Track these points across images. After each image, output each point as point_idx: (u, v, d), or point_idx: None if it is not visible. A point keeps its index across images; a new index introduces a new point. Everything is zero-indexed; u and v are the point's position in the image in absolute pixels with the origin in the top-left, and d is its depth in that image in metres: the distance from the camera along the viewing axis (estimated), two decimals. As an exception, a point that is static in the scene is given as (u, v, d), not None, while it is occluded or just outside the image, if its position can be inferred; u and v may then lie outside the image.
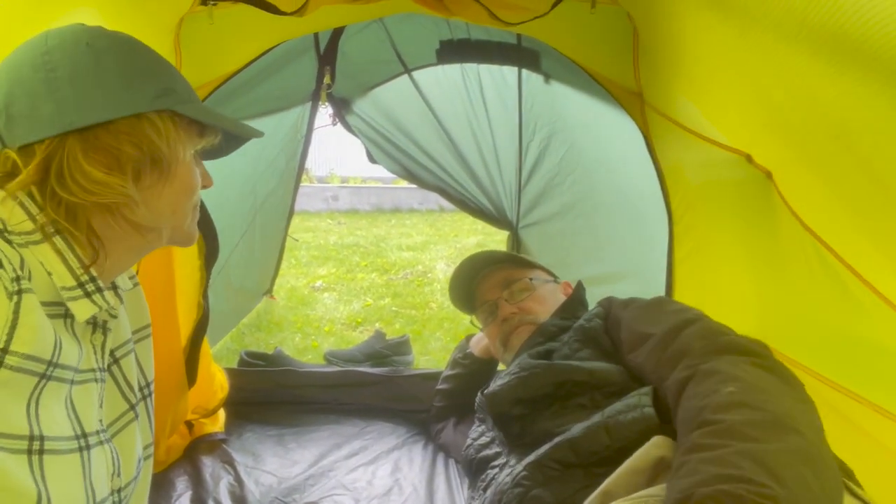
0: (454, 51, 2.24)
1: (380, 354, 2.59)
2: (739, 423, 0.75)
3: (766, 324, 1.46)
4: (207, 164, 0.90)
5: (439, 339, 3.16)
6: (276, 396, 2.06)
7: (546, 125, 2.42)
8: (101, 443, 0.77)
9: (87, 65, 0.71)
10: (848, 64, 0.80)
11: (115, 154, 0.72)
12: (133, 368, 0.88)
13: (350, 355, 2.60)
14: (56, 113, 0.69)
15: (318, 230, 6.76)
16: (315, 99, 2.48)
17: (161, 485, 1.53)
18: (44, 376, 0.66)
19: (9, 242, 0.67)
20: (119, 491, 0.81)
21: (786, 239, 1.30)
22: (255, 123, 0.94)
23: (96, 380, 0.78)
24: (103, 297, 0.75)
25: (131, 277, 0.91)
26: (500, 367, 1.79)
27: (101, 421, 0.79)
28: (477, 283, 1.70)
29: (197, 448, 1.72)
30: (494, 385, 1.31)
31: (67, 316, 0.73)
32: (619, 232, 2.33)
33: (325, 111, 2.51)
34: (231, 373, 2.04)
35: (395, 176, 2.93)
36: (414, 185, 2.79)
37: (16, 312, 0.63)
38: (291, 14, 1.44)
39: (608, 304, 1.34)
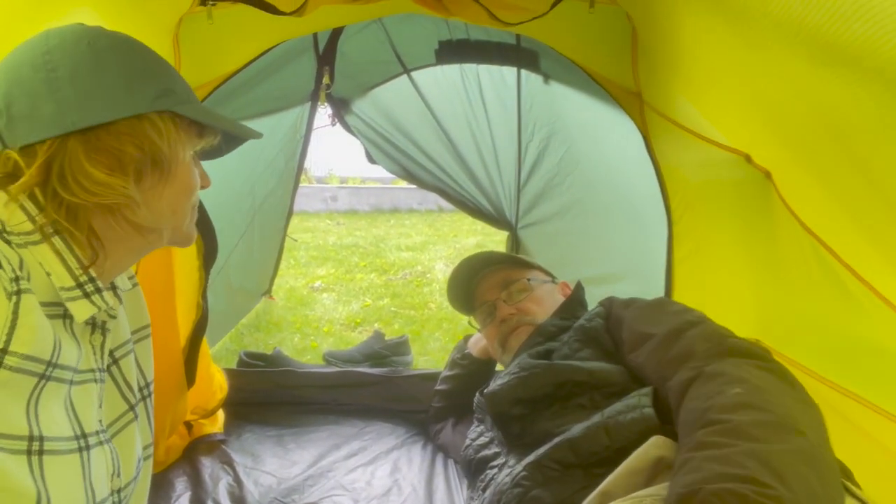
0: (453, 51, 2.24)
1: (379, 355, 2.59)
2: (745, 423, 0.75)
3: (764, 323, 1.46)
4: (206, 164, 0.91)
5: (438, 339, 3.16)
6: (275, 397, 2.06)
7: (545, 125, 2.42)
8: (100, 443, 0.77)
9: (88, 65, 0.72)
10: (846, 65, 0.80)
11: (116, 155, 0.72)
12: (132, 369, 0.88)
13: (349, 356, 2.60)
14: (57, 113, 0.69)
15: (317, 230, 6.76)
16: (314, 99, 2.48)
17: (160, 485, 1.53)
18: (43, 377, 0.66)
19: (8, 243, 0.67)
20: (119, 491, 0.80)
21: (785, 239, 1.30)
22: (254, 124, 0.94)
23: (95, 380, 0.78)
24: (102, 297, 0.75)
25: (130, 278, 0.91)
26: (499, 367, 1.79)
27: (100, 421, 0.79)
28: (475, 283, 1.70)
29: (196, 449, 1.72)
30: (494, 385, 1.31)
31: (66, 316, 0.73)
32: (618, 232, 2.33)
33: (324, 111, 2.51)
34: (230, 373, 2.03)
35: (394, 176, 2.94)
36: (413, 186, 2.79)
37: (15, 313, 0.63)
38: (290, 14, 1.44)
39: (609, 303, 1.34)
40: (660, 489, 0.80)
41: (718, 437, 0.75)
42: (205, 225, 1.59)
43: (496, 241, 5.11)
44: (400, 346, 2.66)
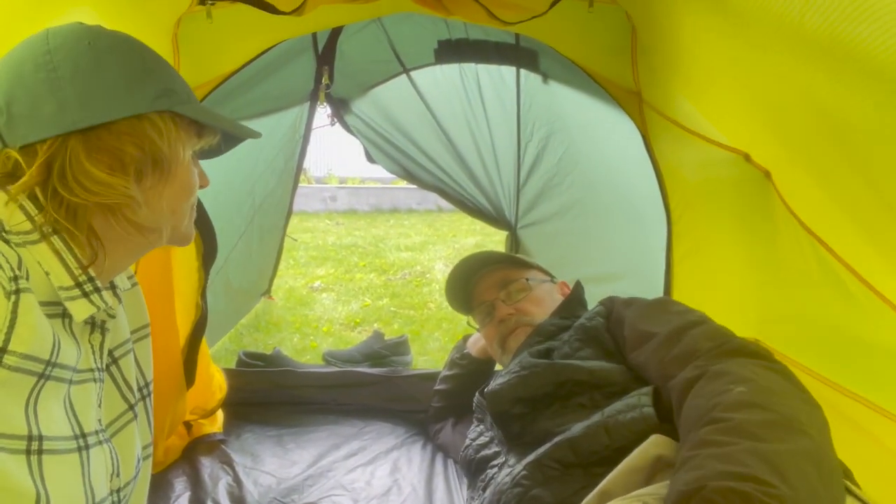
0: (452, 51, 2.23)
1: (378, 355, 2.59)
2: (749, 422, 0.75)
3: (764, 322, 1.46)
4: (205, 163, 0.91)
5: (438, 339, 3.16)
6: (274, 397, 2.06)
7: (544, 125, 2.42)
8: (99, 443, 0.77)
9: (88, 65, 0.72)
10: (844, 65, 0.80)
11: (117, 155, 0.72)
12: (132, 368, 0.88)
13: (348, 356, 2.60)
14: (58, 113, 0.69)
15: (317, 231, 6.75)
16: (313, 99, 2.48)
17: (160, 485, 1.53)
18: (42, 376, 0.66)
19: (7, 242, 0.67)
20: (118, 491, 0.80)
21: (784, 238, 1.30)
22: (253, 124, 0.94)
23: (95, 380, 0.78)
24: (101, 297, 0.75)
25: (130, 277, 0.91)
26: (498, 367, 1.79)
27: (99, 421, 0.79)
28: (473, 283, 1.70)
29: (195, 449, 1.72)
30: (494, 384, 1.31)
31: (65, 316, 0.73)
32: (618, 231, 2.33)
33: (323, 111, 2.51)
34: (229, 373, 2.03)
35: (393, 177, 2.94)
36: (412, 186, 2.79)
37: (14, 312, 0.63)
38: (290, 13, 1.44)
39: (610, 302, 1.34)
40: (659, 488, 0.80)
41: (721, 435, 0.75)
42: (204, 225, 1.59)
43: (495, 241, 5.11)
44: (399, 346, 2.66)
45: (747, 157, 1.37)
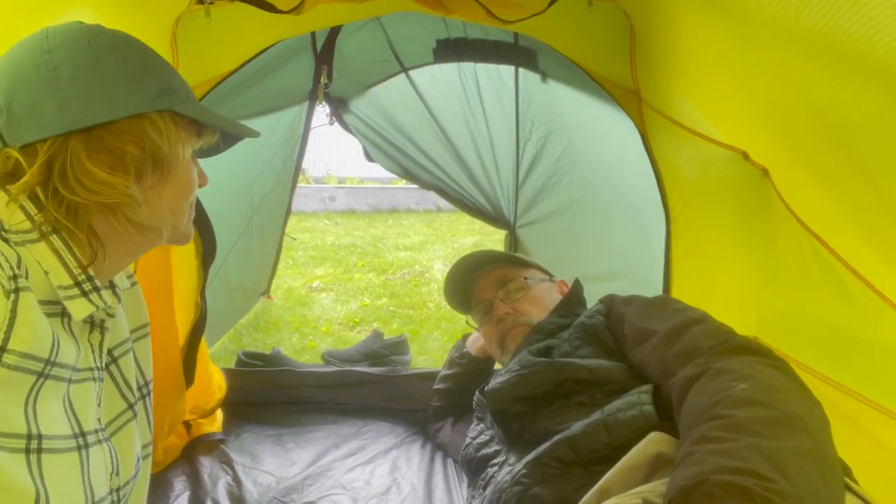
0: (451, 50, 2.23)
1: (377, 354, 2.59)
2: (750, 419, 0.75)
3: (762, 320, 1.46)
4: (204, 163, 0.91)
5: (437, 338, 3.16)
6: (273, 396, 2.06)
7: (543, 124, 2.42)
8: (99, 442, 0.76)
9: (88, 64, 0.72)
10: (842, 63, 0.80)
11: (118, 154, 0.72)
12: (131, 368, 0.88)
13: (347, 355, 2.60)
14: (58, 112, 0.69)
15: (316, 230, 6.75)
16: (312, 98, 2.47)
17: (159, 485, 1.53)
18: (41, 375, 0.66)
19: (6, 241, 0.67)
20: (118, 490, 0.80)
21: (783, 236, 1.30)
22: (252, 123, 0.94)
23: (94, 379, 0.78)
24: (100, 296, 0.75)
25: (129, 277, 0.91)
26: (497, 366, 1.79)
27: (99, 420, 0.79)
28: (472, 282, 1.70)
29: (195, 448, 1.72)
30: (494, 382, 1.31)
31: (65, 315, 0.73)
32: (617, 230, 2.33)
33: (322, 110, 2.51)
34: (229, 373, 2.03)
35: (392, 176, 2.94)
36: (411, 186, 2.80)
37: (13, 311, 0.63)
38: (288, 12, 1.44)
39: (610, 300, 1.34)
40: (658, 485, 0.80)
41: (722, 431, 0.75)
42: (203, 224, 1.59)
43: (494, 240, 5.11)
44: (398, 346, 2.66)
45: (746, 156, 1.38)
